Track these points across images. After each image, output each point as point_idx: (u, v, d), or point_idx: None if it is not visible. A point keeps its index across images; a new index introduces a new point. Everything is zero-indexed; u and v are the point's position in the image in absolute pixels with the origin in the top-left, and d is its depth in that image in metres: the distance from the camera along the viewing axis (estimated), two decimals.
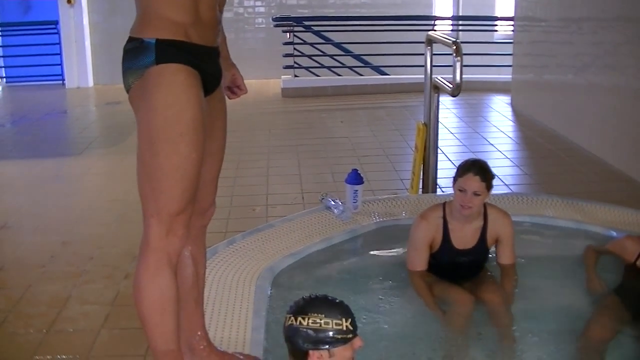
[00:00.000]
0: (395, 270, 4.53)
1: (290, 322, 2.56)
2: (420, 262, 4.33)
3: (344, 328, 2.53)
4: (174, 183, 2.62)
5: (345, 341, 2.54)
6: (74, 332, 4.50)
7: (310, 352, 2.53)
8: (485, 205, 4.29)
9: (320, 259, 4.62)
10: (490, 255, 4.46)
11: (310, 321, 2.51)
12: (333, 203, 5.16)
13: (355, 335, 2.57)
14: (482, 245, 4.32)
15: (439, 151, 6.31)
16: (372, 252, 4.81)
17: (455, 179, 4.20)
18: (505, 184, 7.25)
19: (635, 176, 7.38)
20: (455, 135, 9.60)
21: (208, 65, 2.73)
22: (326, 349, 2.52)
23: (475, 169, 4.14)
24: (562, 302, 4.30)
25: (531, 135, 9.50)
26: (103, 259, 5.62)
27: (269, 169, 8.01)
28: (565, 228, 5.14)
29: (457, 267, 4.34)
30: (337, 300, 2.62)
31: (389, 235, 4.98)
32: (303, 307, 2.55)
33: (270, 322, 3.73)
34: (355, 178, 5.14)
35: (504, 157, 8.50)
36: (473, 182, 4.10)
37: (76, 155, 8.97)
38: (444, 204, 4.34)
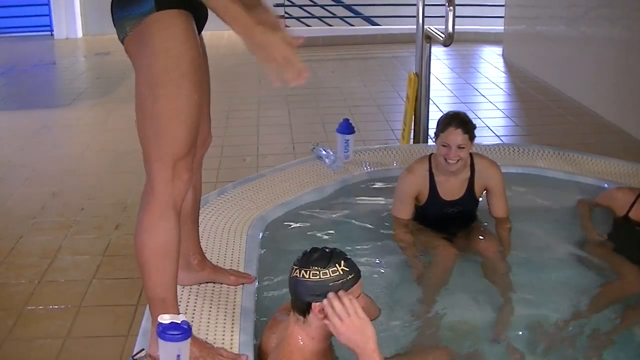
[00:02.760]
0: (386, 219, 4.52)
1: (294, 274, 2.56)
2: (404, 213, 4.34)
3: (340, 272, 2.52)
4: (178, 126, 2.61)
5: (346, 284, 2.53)
6: (66, 282, 4.53)
7: (313, 304, 2.53)
8: (472, 156, 4.27)
9: (311, 208, 4.60)
10: (483, 206, 4.46)
11: (311, 274, 2.51)
12: (324, 153, 5.14)
13: (355, 276, 2.56)
14: (470, 196, 4.31)
15: (431, 102, 6.27)
16: (362, 202, 4.78)
17: (436, 134, 4.18)
18: (497, 135, 7.24)
19: (627, 128, 7.38)
20: (447, 86, 9.57)
21: (197, 8, 2.70)
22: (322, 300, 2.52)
23: (456, 122, 4.10)
24: (555, 253, 4.29)
25: (523, 87, 9.48)
26: (94, 209, 5.62)
27: (259, 119, 7.98)
28: (557, 179, 5.12)
29: (447, 219, 4.33)
30: (336, 250, 2.61)
31: (380, 185, 4.96)
32: (305, 260, 2.55)
33: (262, 270, 3.72)
34: (347, 127, 5.11)
35: (495, 108, 8.48)
36: (455, 135, 4.07)
37: (66, 106, 8.91)
38: (430, 157, 4.32)
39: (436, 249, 4.13)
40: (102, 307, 4.24)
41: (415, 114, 6.13)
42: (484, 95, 9.06)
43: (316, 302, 2.52)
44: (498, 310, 3.70)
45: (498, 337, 3.51)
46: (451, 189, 4.28)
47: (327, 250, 2.59)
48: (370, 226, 4.48)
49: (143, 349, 2.87)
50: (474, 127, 4.16)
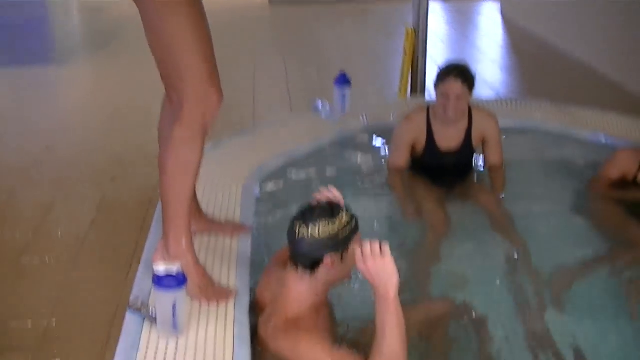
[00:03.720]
0: (382, 171, 4.52)
1: (301, 235, 2.52)
2: (400, 160, 4.33)
3: (347, 218, 2.52)
4: (197, 52, 2.65)
5: (355, 229, 2.53)
6: (60, 235, 4.52)
7: (325, 257, 2.51)
8: (469, 106, 4.24)
9: (308, 160, 4.58)
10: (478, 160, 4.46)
11: (321, 228, 2.48)
12: (321, 105, 5.10)
13: (357, 220, 2.56)
14: (467, 146, 4.30)
15: (428, 56, 6.23)
16: (359, 154, 4.76)
17: (436, 84, 4.15)
18: (493, 89, 7.20)
19: (624, 83, 7.34)
20: (444, 41, 9.50)
21: None
22: (339, 251, 2.51)
23: (456, 72, 4.07)
24: (554, 205, 4.28)
25: (519, 42, 9.43)
26: (89, 163, 5.60)
27: (255, 72, 7.93)
28: (553, 132, 5.10)
29: (444, 169, 4.32)
30: (331, 201, 2.60)
31: (378, 137, 4.94)
32: (309, 217, 2.52)
33: (258, 222, 3.71)
34: (344, 80, 5.07)
35: (491, 62, 8.42)
36: (455, 86, 4.04)
37: (60, 61, 8.85)
38: (428, 107, 4.30)
39: (429, 214, 4.08)
40: (97, 259, 4.23)
41: (412, 68, 6.11)
42: (480, 50, 9.00)
43: (328, 253, 2.50)
44: (504, 260, 3.70)
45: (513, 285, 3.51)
46: (448, 138, 4.25)
47: (323, 202, 2.57)
48: (366, 178, 4.47)
49: (139, 297, 2.86)
50: (473, 77, 4.12)
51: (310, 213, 2.53)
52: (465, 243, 3.84)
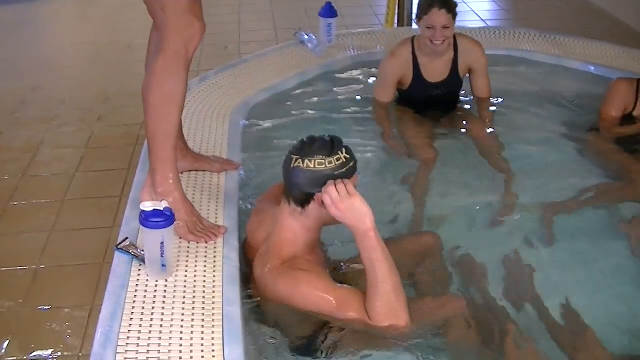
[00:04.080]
0: (369, 103, 4.47)
1: (296, 164, 2.48)
2: (385, 94, 4.30)
3: (344, 159, 2.47)
4: None
5: (349, 171, 2.49)
6: (49, 176, 4.49)
7: (316, 194, 2.48)
8: (454, 35, 4.18)
9: (294, 93, 4.55)
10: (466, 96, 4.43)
11: (316, 163, 2.45)
12: (306, 37, 5.03)
13: (355, 163, 2.52)
14: (454, 76, 4.25)
15: None
16: (346, 86, 4.72)
17: (418, 16, 4.08)
18: (482, 19, 7.12)
19: (615, 12, 7.26)
20: None
21: None
22: None
23: (439, 2, 3.99)
24: (543, 134, 4.26)
25: None
26: (75, 101, 5.54)
27: (240, 6, 7.81)
28: (543, 63, 5.05)
29: (431, 100, 4.28)
30: (336, 137, 2.55)
31: (364, 68, 4.90)
32: (306, 149, 2.48)
33: (245, 156, 3.69)
34: (329, 11, 4.99)
35: None
36: (439, 16, 3.98)
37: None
38: (412, 39, 4.23)
39: (417, 150, 4.03)
40: (86, 199, 4.21)
41: None
42: None
43: (319, 191, 2.47)
44: (495, 192, 3.68)
45: (501, 217, 3.49)
46: (435, 70, 4.21)
47: (327, 137, 2.52)
48: (354, 110, 4.44)
49: (127, 237, 2.86)
50: (455, 4, 4.06)
51: (309, 145, 2.50)
52: (455, 177, 3.83)
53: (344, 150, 2.50)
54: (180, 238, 2.87)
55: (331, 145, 2.48)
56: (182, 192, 2.92)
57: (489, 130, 4.24)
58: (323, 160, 2.45)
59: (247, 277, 2.79)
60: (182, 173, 3.28)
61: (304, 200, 2.52)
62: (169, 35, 2.72)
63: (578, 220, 3.48)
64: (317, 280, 2.52)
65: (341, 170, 2.46)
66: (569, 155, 4.04)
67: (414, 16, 5.91)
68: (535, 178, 3.80)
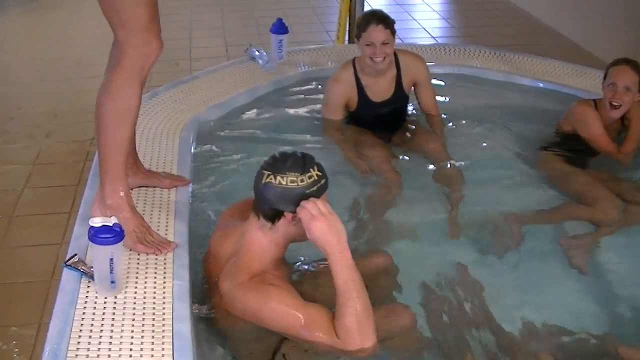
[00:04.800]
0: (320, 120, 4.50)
1: (268, 181, 2.47)
2: (334, 118, 4.32)
3: (316, 177, 2.47)
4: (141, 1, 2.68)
5: (320, 189, 2.49)
6: None
7: (286, 213, 2.48)
8: (395, 52, 4.21)
9: (245, 109, 4.56)
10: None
11: (288, 180, 2.44)
12: (258, 53, 5.05)
13: (326, 180, 2.52)
14: (399, 93, 4.27)
15: (365, 2, 6.19)
16: (297, 102, 4.74)
17: (357, 35, 4.12)
18: (432, 36, 7.20)
19: (563, 30, 7.39)
20: None
21: None
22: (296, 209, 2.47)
23: (376, 19, 4.04)
24: (494, 150, 4.32)
25: None
26: (23, 118, 5.47)
27: (191, 22, 7.81)
28: (492, 79, 5.12)
29: (380, 119, 4.30)
30: (307, 154, 2.54)
31: (315, 85, 4.91)
32: (278, 165, 2.47)
33: (195, 172, 3.67)
34: (280, 27, 5.01)
35: (430, 9, 8.40)
36: (379, 32, 4.01)
37: None
38: (353, 61, 4.26)
39: (382, 172, 4.02)
40: (34, 216, 4.15)
41: (349, 14, 6.04)
42: None
43: (290, 209, 2.47)
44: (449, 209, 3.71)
45: (452, 235, 3.54)
46: (380, 89, 4.23)
47: (299, 154, 2.52)
48: (305, 126, 4.46)
49: (76, 254, 2.82)
50: (393, 21, 4.11)
51: (281, 161, 2.49)
52: (413, 196, 3.86)
53: (315, 167, 2.49)
54: (130, 250, 2.85)
55: (303, 162, 2.48)
56: (132, 205, 2.92)
57: (443, 144, 4.24)
58: (295, 179, 2.44)
59: (204, 293, 2.78)
60: (132, 189, 3.26)
61: (274, 216, 2.51)
62: (127, 51, 2.73)
63: (527, 235, 3.53)
64: (288, 297, 2.50)
65: (313, 189, 2.46)
66: (519, 171, 4.10)
67: None
68: (486, 193, 3.85)
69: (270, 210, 2.50)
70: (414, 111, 4.50)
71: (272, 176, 2.46)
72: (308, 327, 2.45)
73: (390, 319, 2.64)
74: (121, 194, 2.86)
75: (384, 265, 3.02)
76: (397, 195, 3.85)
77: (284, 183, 2.44)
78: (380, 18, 4.04)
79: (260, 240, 2.58)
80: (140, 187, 3.36)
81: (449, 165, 4.05)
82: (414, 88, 4.34)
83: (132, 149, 3.24)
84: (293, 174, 2.44)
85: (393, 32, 4.07)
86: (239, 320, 2.57)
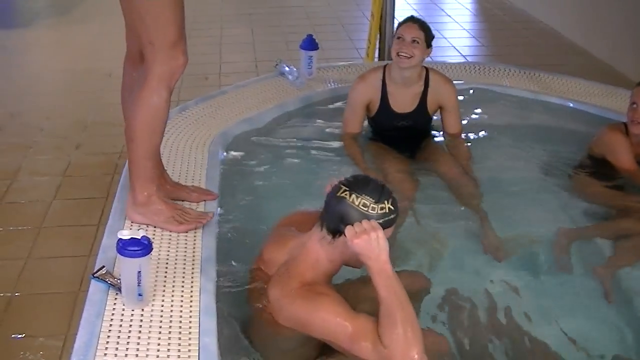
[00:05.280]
0: None
1: (343, 195, 2.47)
2: (354, 123, 4.30)
3: (387, 210, 2.47)
4: (174, 10, 2.84)
5: (387, 223, 2.48)
6: (26, 203, 4.46)
7: (342, 237, 2.47)
8: (427, 70, 4.20)
9: (274, 125, 4.55)
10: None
11: (362, 203, 2.44)
12: (287, 69, 5.05)
13: (396, 217, 2.51)
14: (421, 110, 4.24)
15: (395, 20, 6.19)
16: (325, 119, 4.72)
17: (394, 35, 4.16)
18: (462, 55, 7.19)
19: (591, 49, 7.37)
20: (412, 5, 9.43)
21: None
22: None
23: (413, 19, 4.10)
24: (521, 169, 4.30)
25: (488, 7, 9.38)
26: (53, 129, 5.52)
27: (221, 37, 7.85)
28: (521, 98, 5.08)
29: (398, 132, 4.28)
30: (387, 186, 2.54)
31: (344, 101, 4.84)
32: (359, 187, 2.47)
33: (223, 187, 3.66)
34: (310, 43, 5.01)
35: (460, 28, 8.41)
36: (411, 28, 4.03)
37: (23, 26, 8.67)
38: (384, 67, 4.26)
39: (396, 182, 3.97)
40: (63, 227, 4.18)
41: (380, 32, 6.07)
42: (449, 15, 8.96)
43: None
44: (475, 231, 3.69)
45: (498, 257, 3.52)
46: (402, 100, 4.22)
47: (380, 183, 2.52)
48: (333, 143, 4.42)
49: (104, 266, 2.83)
50: (432, 35, 4.11)
51: (363, 183, 2.49)
52: (429, 213, 3.83)
53: (390, 201, 2.48)
54: (157, 263, 2.88)
55: (382, 192, 2.48)
56: (162, 197, 3.12)
57: (459, 167, 4.20)
58: (368, 203, 2.44)
59: (242, 301, 2.79)
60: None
61: (336, 230, 2.50)
62: (156, 67, 2.89)
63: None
64: (338, 307, 2.48)
65: (380, 220, 2.45)
66: (549, 191, 4.07)
67: None
68: (515, 213, 3.83)
69: (335, 224, 2.50)
70: (435, 132, 4.47)
71: (348, 192, 2.47)
72: (356, 337, 2.43)
73: (432, 347, 2.61)
74: (151, 191, 3.07)
75: (419, 287, 3.02)
76: (412, 201, 3.85)
77: (356, 203, 2.44)
78: (418, 19, 4.09)
79: (318, 251, 2.56)
80: (168, 198, 3.35)
81: (467, 189, 4.04)
82: (441, 111, 4.31)
83: (158, 161, 3.28)
84: (369, 198, 2.45)
85: (427, 39, 4.06)
86: (283, 329, 2.56)
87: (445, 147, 4.36)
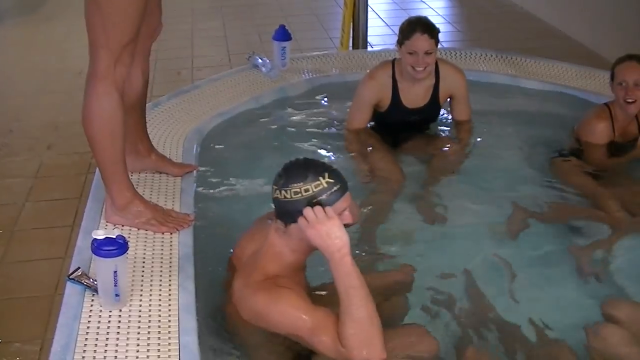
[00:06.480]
0: (325, 127, 4.45)
1: (275, 196, 2.44)
2: (359, 120, 4.20)
3: (325, 185, 2.39)
4: (124, 17, 2.76)
5: (332, 196, 2.40)
6: None
7: (299, 217, 2.41)
8: (436, 62, 4.10)
9: (249, 118, 4.48)
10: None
11: (292, 193, 2.39)
12: (260, 61, 4.99)
13: (341, 187, 2.43)
14: (433, 103, 4.19)
15: (369, 8, 6.15)
16: (302, 110, 4.66)
17: (400, 41, 3.98)
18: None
19: (570, 32, 7.35)
20: None
21: None
22: None
23: (421, 27, 3.91)
24: (502, 155, 4.28)
25: None
26: (23, 131, 5.43)
27: (193, 31, 7.78)
28: (499, 84, 5.05)
29: (407, 125, 4.23)
30: (317, 161, 2.48)
31: (320, 92, 4.85)
32: (283, 179, 2.42)
33: (199, 183, 3.62)
34: (283, 34, 4.94)
35: (435, 14, 8.36)
36: (422, 41, 3.89)
37: None
38: (392, 62, 4.15)
39: (384, 171, 3.98)
40: (36, 230, 4.10)
41: (353, 20, 5.99)
42: (423, 1, 8.91)
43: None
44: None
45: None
46: (415, 96, 4.14)
47: (302, 162, 2.46)
48: (310, 134, 4.38)
49: (79, 268, 2.78)
50: (438, 31, 4.00)
51: (285, 175, 2.43)
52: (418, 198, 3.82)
53: (326, 175, 2.41)
54: (134, 262, 2.84)
55: (306, 171, 2.41)
56: (141, 197, 3.08)
57: (463, 154, 4.21)
58: (299, 190, 2.38)
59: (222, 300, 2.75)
60: (145, 172, 3.53)
61: (287, 221, 2.46)
62: (105, 70, 2.84)
63: (538, 238, 3.52)
64: (298, 300, 2.44)
65: (322, 197, 2.39)
66: (528, 177, 4.06)
67: (368, 39, 5.98)
68: (495, 199, 3.81)
69: (284, 216, 2.46)
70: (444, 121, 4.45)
71: (278, 191, 2.43)
72: (315, 331, 2.39)
73: (411, 343, 2.59)
74: (127, 193, 3.03)
75: (404, 280, 2.98)
76: (397, 192, 3.84)
77: (288, 197, 2.40)
78: (425, 27, 3.92)
79: (277, 243, 2.53)
80: (154, 171, 3.53)
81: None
82: (450, 100, 4.26)
83: (144, 133, 3.45)
84: (295, 185, 2.39)
85: (437, 42, 3.96)
86: (248, 325, 2.52)
87: (449, 132, 4.36)
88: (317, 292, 2.77)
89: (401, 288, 2.95)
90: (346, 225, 2.43)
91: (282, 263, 2.53)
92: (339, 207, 2.41)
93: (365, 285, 2.37)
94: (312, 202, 2.38)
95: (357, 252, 3.18)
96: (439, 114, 4.32)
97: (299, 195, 2.38)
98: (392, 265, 3.21)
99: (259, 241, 2.65)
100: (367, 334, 2.34)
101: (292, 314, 2.41)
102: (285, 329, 2.45)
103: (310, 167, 2.42)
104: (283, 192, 2.40)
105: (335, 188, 2.41)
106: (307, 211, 2.36)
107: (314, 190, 2.38)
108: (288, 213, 2.42)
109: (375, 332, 2.35)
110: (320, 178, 2.39)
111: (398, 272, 3.05)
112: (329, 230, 2.35)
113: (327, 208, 2.37)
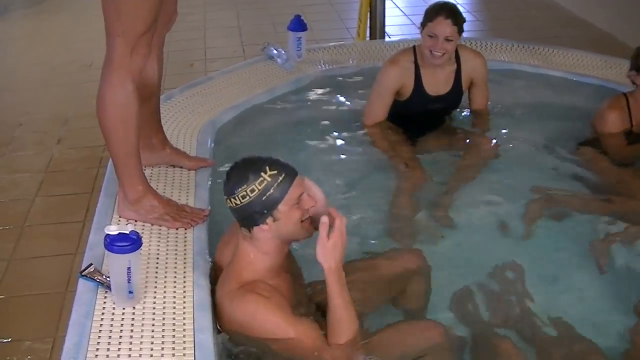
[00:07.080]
0: (342, 118, 4.38)
1: (229, 206, 2.43)
2: (381, 110, 4.08)
3: (268, 179, 2.35)
4: (142, 3, 2.70)
5: (280, 187, 2.36)
6: (7, 202, 4.33)
7: (257, 220, 2.39)
8: (456, 47, 4.00)
9: (264, 111, 4.41)
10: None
11: (240, 197, 2.36)
12: (275, 52, 4.89)
13: (287, 175, 2.39)
14: (456, 89, 4.08)
15: None
16: (318, 102, 4.59)
17: (423, 23, 3.90)
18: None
19: (591, 20, 7.25)
20: None
21: None
22: (265, 218, 2.38)
23: (446, 12, 3.82)
24: (525, 147, 4.21)
25: None
26: (32, 125, 5.37)
27: (205, 22, 7.70)
28: (522, 72, 4.95)
29: (428, 115, 4.12)
30: (254, 158, 2.44)
31: (337, 83, 4.76)
32: (228, 186, 2.40)
33: (213, 177, 3.53)
34: (298, 24, 4.85)
35: (455, 2, 8.23)
36: (444, 26, 3.80)
37: None
38: (414, 48, 4.05)
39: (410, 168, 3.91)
40: (47, 225, 4.05)
41: (370, 9, 5.90)
42: None
43: (261, 220, 2.39)
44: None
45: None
46: (437, 82, 4.04)
47: (240, 163, 2.43)
48: (327, 126, 4.32)
49: (91, 264, 2.71)
50: (463, 20, 3.90)
51: (228, 183, 2.41)
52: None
53: (267, 169, 2.37)
54: (148, 258, 2.78)
55: (245, 171, 2.38)
56: (155, 192, 3.01)
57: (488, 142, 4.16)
58: (246, 192, 2.35)
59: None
60: (159, 165, 3.46)
61: (248, 226, 2.43)
62: (121, 59, 2.78)
63: (560, 231, 3.49)
64: (278, 309, 2.41)
65: (270, 192, 2.35)
66: (553, 168, 4.00)
67: (386, 29, 5.88)
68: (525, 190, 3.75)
69: (244, 222, 2.44)
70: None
71: (228, 200, 2.42)
72: (297, 342, 2.40)
73: (418, 336, 2.58)
74: (140, 187, 2.97)
75: (415, 266, 2.88)
76: (416, 190, 3.77)
77: (239, 202, 2.37)
78: (450, 12, 3.83)
79: (247, 248, 2.49)
80: (168, 165, 3.47)
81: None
82: (470, 86, 4.16)
83: (159, 126, 3.40)
84: (240, 189, 2.36)
85: (460, 31, 3.86)
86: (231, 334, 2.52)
87: (468, 120, 4.29)
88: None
89: (416, 276, 2.88)
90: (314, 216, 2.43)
91: (257, 267, 2.49)
92: (293, 195, 2.38)
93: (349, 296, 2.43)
94: (263, 201, 2.35)
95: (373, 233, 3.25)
96: (460, 101, 4.20)
97: (247, 198, 2.35)
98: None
99: (233, 248, 2.61)
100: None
101: (272, 323, 2.40)
102: (267, 337, 2.43)
103: (249, 167, 2.39)
104: (232, 199, 2.38)
105: (280, 178, 2.37)
106: (323, 229, 2.39)
107: (260, 187, 2.35)
108: (246, 218, 2.41)
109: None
110: (262, 174, 2.36)
111: (406, 256, 2.97)
112: (341, 244, 2.41)
113: (341, 220, 2.41)
